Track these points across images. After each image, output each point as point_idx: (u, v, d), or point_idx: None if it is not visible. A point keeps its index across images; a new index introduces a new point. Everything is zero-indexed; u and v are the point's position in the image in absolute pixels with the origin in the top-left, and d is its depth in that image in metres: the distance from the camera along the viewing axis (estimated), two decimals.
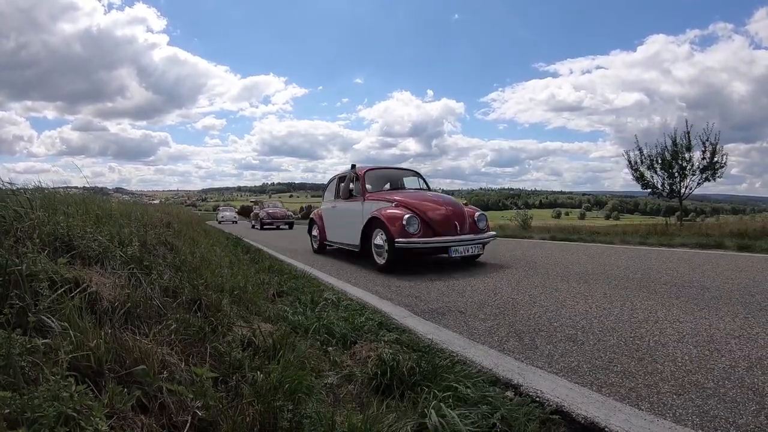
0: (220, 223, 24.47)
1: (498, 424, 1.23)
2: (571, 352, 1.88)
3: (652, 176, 12.93)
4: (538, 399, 1.42)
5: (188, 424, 1.06)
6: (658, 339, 2.01)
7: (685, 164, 12.29)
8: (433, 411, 1.23)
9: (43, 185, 3.00)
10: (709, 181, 12.22)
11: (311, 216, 7.03)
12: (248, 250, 6.36)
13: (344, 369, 1.66)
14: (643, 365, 1.71)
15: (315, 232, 6.72)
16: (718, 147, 11.95)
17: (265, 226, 16.23)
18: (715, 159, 11.98)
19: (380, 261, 4.49)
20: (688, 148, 12.25)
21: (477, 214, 4.80)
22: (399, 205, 4.55)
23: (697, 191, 12.51)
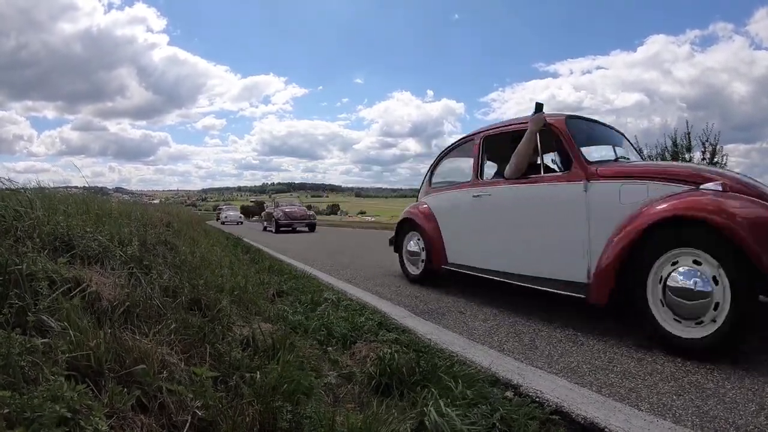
0: (223, 224, 22.52)
1: (497, 424, 1.23)
2: (570, 352, 1.88)
3: None
4: (537, 399, 1.42)
5: (188, 424, 1.06)
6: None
7: None
8: (432, 410, 1.23)
9: (43, 185, 3.01)
10: None
11: (407, 215, 3.93)
12: (248, 250, 6.36)
13: (344, 369, 1.66)
14: (643, 365, 1.71)
15: (415, 246, 3.74)
16: (718, 148, 11.95)
17: (281, 228, 13.62)
18: (715, 160, 11.98)
19: (702, 334, 1.77)
20: (689, 149, 12.25)
21: None
22: (732, 191, 1.90)
23: None
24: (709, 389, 1.48)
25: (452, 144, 3.77)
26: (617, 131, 3.13)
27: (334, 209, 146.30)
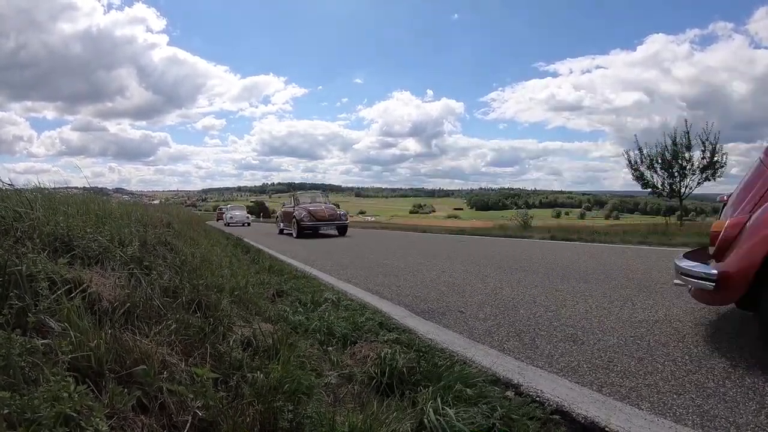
0: (227, 225, 20.08)
1: (498, 423, 1.23)
2: (571, 352, 1.88)
3: (652, 176, 12.93)
4: (538, 399, 1.42)
5: (188, 424, 1.06)
6: (659, 339, 2.01)
7: (685, 164, 12.29)
8: (431, 410, 1.23)
9: (43, 185, 3.01)
10: (709, 180, 12.22)
11: None
12: (248, 250, 6.35)
13: (344, 369, 1.66)
14: (643, 365, 1.71)
15: None
16: (718, 146, 11.95)
17: (305, 231, 10.78)
18: (715, 158, 11.98)
19: None
20: (688, 148, 12.26)
21: None
22: None
23: (697, 191, 12.51)
24: (710, 388, 1.48)
25: None
26: None
27: None
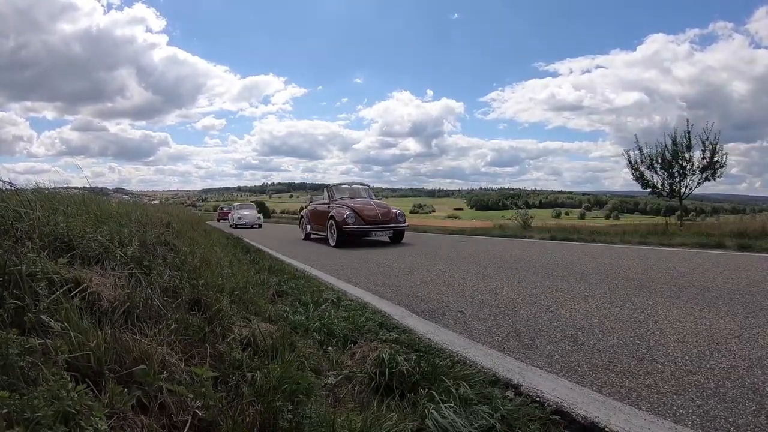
0: (235, 227, 17.61)
1: (498, 424, 1.22)
2: (571, 352, 1.88)
3: (652, 176, 12.91)
4: (538, 399, 1.42)
5: (188, 424, 1.06)
6: (659, 339, 2.01)
7: (685, 164, 12.28)
8: (433, 411, 1.23)
9: (43, 185, 3.00)
10: (709, 180, 12.20)
11: None
12: (248, 250, 6.35)
13: (344, 369, 1.65)
14: (643, 365, 1.71)
15: None
16: (718, 146, 11.93)
17: (347, 236, 7.59)
18: (715, 158, 11.96)
19: None
20: (688, 148, 12.23)
21: None
22: None
23: (697, 191, 12.48)
24: (710, 389, 1.48)
25: None
26: None
27: None
